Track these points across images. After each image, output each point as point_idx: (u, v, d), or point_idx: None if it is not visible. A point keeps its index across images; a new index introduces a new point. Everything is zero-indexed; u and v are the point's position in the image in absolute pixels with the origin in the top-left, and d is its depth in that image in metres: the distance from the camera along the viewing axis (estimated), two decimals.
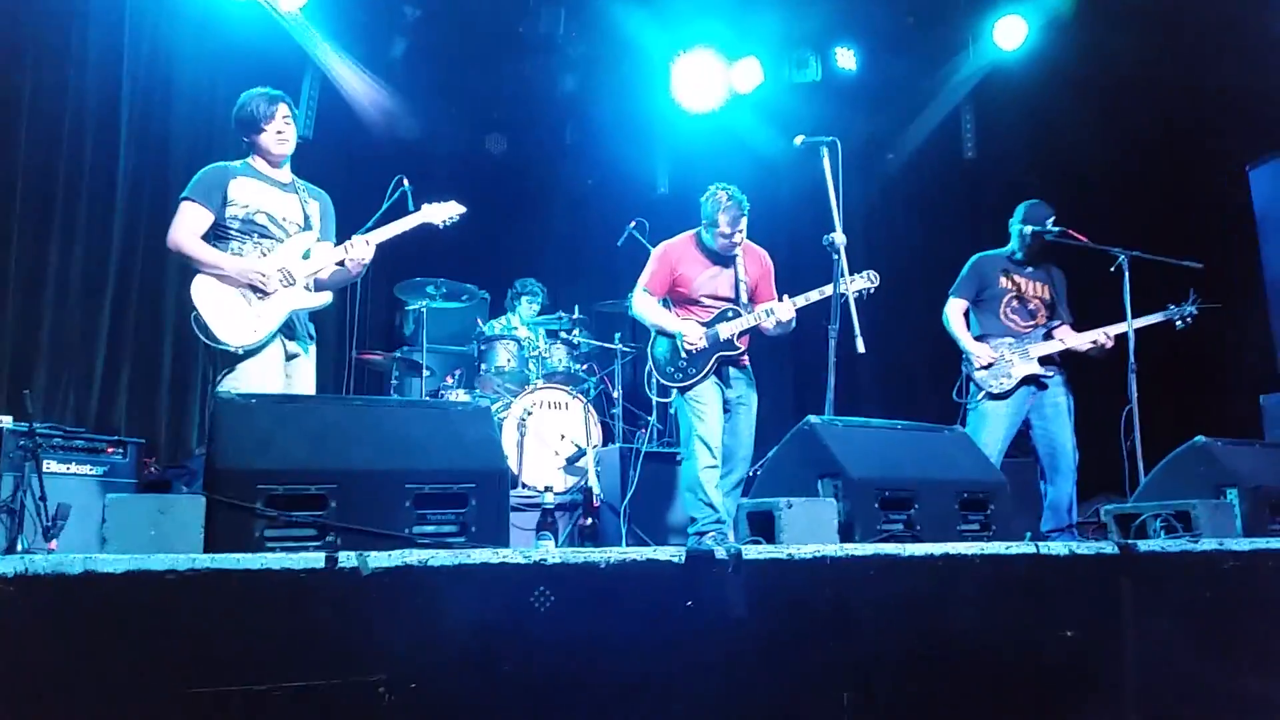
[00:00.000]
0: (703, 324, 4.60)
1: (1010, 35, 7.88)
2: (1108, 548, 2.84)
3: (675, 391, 4.59)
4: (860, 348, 4.06)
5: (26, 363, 5.94)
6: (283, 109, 3.90)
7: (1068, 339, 5.02)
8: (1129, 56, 7.19)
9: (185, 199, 3.76)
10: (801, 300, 4.54)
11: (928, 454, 3.29)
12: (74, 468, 4.42)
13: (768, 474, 3.33)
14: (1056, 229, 5.06)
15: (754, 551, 2.38)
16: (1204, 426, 3.88)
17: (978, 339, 5.10)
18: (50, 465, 4.30)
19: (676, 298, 4.73)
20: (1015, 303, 5.11)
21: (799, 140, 4.41)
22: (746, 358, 4.70)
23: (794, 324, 4.61)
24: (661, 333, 4.67)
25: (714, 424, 4.48)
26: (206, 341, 3.61)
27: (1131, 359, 4.75)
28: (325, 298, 3.90)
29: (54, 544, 4.00)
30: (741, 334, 4.61)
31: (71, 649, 1.75)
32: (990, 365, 4.98)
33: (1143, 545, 2.91)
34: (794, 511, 2.72)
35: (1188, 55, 6.79)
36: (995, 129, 8.69)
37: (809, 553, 2.43)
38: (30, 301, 6.02)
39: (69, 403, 6.11)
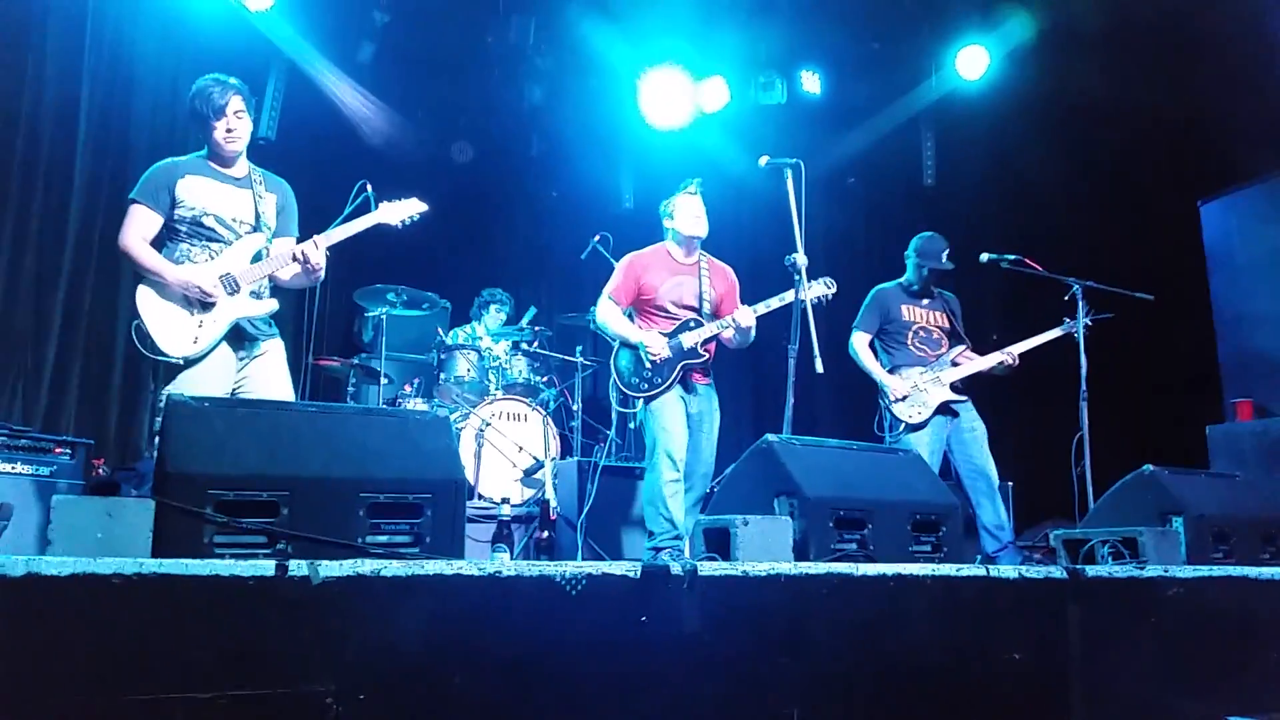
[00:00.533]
0: (664, 334, 4.59)
1: (972, 65, 8.03)
2: (1056, 572, 2.88)
3: (639, 402, 4.55)
4: (819, 368, 4.09)
5: None
6: (235, 101, 3.72)
7: (975, 362, 5.13)
8: (1087, 89, 7.34)
9: (133, 201, 3.67)
10: (762, 308, 4.55)
11: (882, 475, 3.32)
12: (19, 467, 4.31)
13: (724, 491, 3.34)
14: (1012, 256, 5.17)
15: (709, 568, 2.39)
16: (1152, 455, 3.96)
17: (890, 370, 5.18)
18: None
19: (641, 307, 4.72)
20: (922, 333, 5.24)
21: (763, 161, 4.45)
22: (710, 375, 4.70)
23: (754, 333, 4.63)
24: (625, 344, 4.65)
25: (679, 438, 4.47)
26: (146, 352, 3.53)
27: (1084, 387, 4.85)
28: (272, 304, 3.77)
29: None
30: (706, 342, 4.61)
31: (13, 652, 1.70)
32: (906, 397, 5.06)
33: (1090, 570, 2.96)
34: (750, 529, 2.73)
35: (1145, 89, 6.95)
36: (955, 156, 8.83)
37: (764, 570, 2.45)
38: None
39: (16, 400, 5.98)
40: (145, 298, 3.59)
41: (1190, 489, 3.78)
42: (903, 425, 5.04)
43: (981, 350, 5.18)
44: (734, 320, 4.56)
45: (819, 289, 4.51)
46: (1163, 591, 3.04)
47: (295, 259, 3.73)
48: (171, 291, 3.59)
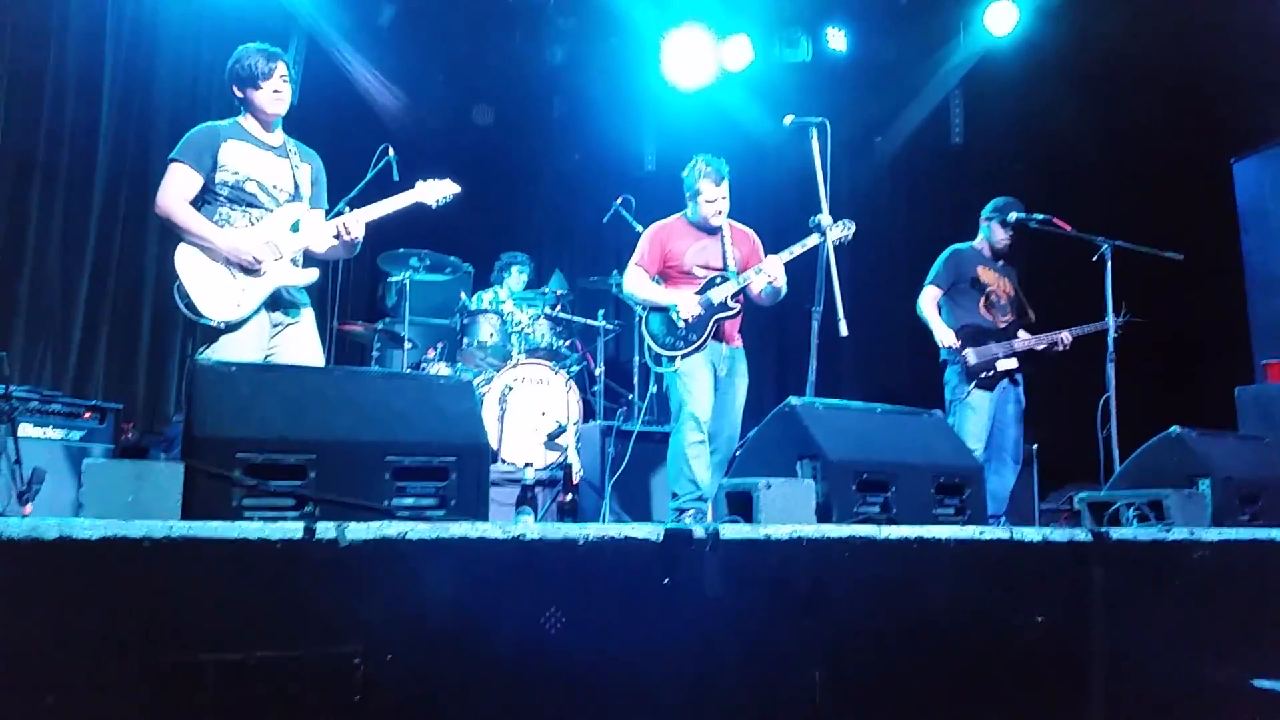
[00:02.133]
0: (695, 293, 4.64)
1: (1001, 21, 7.89)
2: (1081, 535, 2.87)
3: (672, 362, 4.60)
4: (843, 330, 4.07)
5: (4, 325, 5.88)
6: (280, 67, 3.77)
7: (1034, 339, 5.12)
8: (1118, 46, 7.21)
9: (175, 160, 3.64)
10: (787, 255, 4.55)
11: (906, 438, 3.30)
12: (50, 432, 4.38)
13: (747, 454, 3.34)
14: (1040, 216, 5.11)
15: (731, 531, 2.39)
16: (1180, 417, 3.92)
17: (967, 328, 5.14)
18: (26, 429, 4.25)
19: (668, 273, 4.77)
20: (993, 297, 5.21)
21: (788, 120, 4.40)
22: (739, 337, 4.74)
23: (785, 288, 4.65)
24: (655, 308, 4.70)
25: (704, 399, 4.51)
26: (188, 314, 3.54)
27: (1111, 349, 4.80)
28: (313, 274, 3.81)
29: (29, 508, 3.97)
30: (735, 295, 4.63)
31: (45, 615, 1.74)
32: (977, 354, 5.03)
33: (1115, 533, 2.94)
34: (772, 492, 2.73)
35: (1177, 46, 6.81)
36: (984, 115, 8.70)
37: (786, 533, 2.45)
38: (9, 264, 5.96)
39: (46, 366, 6.07)
40: (187, 260, 3.58)
41: (1218, 451, 3.73)
42: (973, 385, 5.02)
43: (1030, 330, 5.17)
44: (762, 269, 4.57)
45: (839, 230, 4.49)
46: (1188, 554, 3.02)
47: (340, 229, 3.77)
48: (215, 254, 3.59)
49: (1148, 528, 3.23)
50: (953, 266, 5.25)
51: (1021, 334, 5.15)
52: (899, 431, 3.33)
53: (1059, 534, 2.87)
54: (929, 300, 5.23)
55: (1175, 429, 3.79)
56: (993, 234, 5.26)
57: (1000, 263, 5.30)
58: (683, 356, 4.57)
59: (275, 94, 3.78)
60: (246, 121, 3.83)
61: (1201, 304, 6.92)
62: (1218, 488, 3.53)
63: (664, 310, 4.65)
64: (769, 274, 4.56)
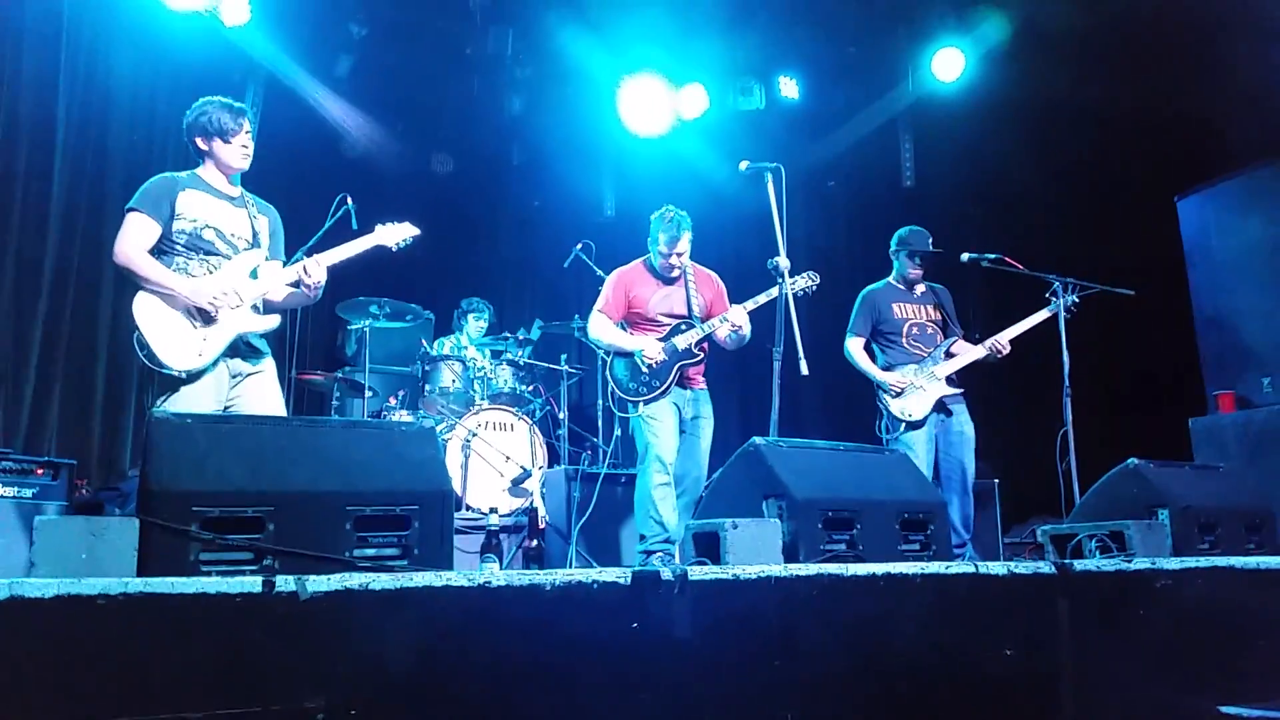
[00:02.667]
0: (659, 340, 4.68)
1: (948, 67, 8.08)
2: (1045, 568, 2.89)
3: (637, 407, 4.62)
4: (804, 370, 4.10)
5: None
6: (246, 124, 3.80)
7: (967, 353, 5.14)
8: (1062, 89, 7.40)
9: (132, 210, 3.60)
10: (751, 304, 4.60)
11: (869, 475, 3.33)
12: (1, 489, 4.28)
13: (713, 495, 3.34)
14: (992, 255, 5.20)
15: (699, 572, 2.38)
16: (1136, 449, 3.98)
17: (888, 369, 5.21)
18: None
19: (633, 319, 4.80)
20: (915, 330, 5.27)
21: (744, 165, 4.46)
22: (703, 380, 4.79)
23: (749, 333, 4.69)
24: (619, 353, 4.72)
25: (669, 442, 4.54)
26: (148, 364, 3.48)
27: (1066, 383, 4.87)
28: (273, 320, 3.77)
29: None
30: (700, 342, 4.68)
31: None
32: (902, 393, 5.09)
33: (1079, 565, 2.97)
34: (739, 532, 2.73)
35: (1119, 87, 7.02)
36: (934, 158, 8.88)
37: (754, 573, 2.44)
38: None
39: None
40: (146, 309, 3.51)
41: (1175, 481, 3.80)
42: (902, 425, 5.06)
43: (970, 342, 5.19)
44: (726, 318, 4.61)
45: (803, 281, 4.56)
46: (1151, 584, 3.05)
47: (299, 274, 3.73)
48: (175, 303, 3.54)
49: (1110, 559, 3.26)
50: (867, 311, 5.34)
51: (952, 353, 5.16)
52: (863, 469, 3.35)
53: (1023, 567, 2.89)
54: (857, 349, 5.31)
55: (1133, 461, 3.85)
56: (902, 267, 5.35)
57: (918, 291, 5.36)
58: (646, 401, 4.59)
59: (243, 149, 3.80)
60: (206, 173, 3.81)
61: (1153, 338, 7.06)
62: (1177, 518, 3.58)
63: (629, 355, 4.67)
64: (733, 323, 4.60)
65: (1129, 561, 3.12)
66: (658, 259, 4.75)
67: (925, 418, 5.06)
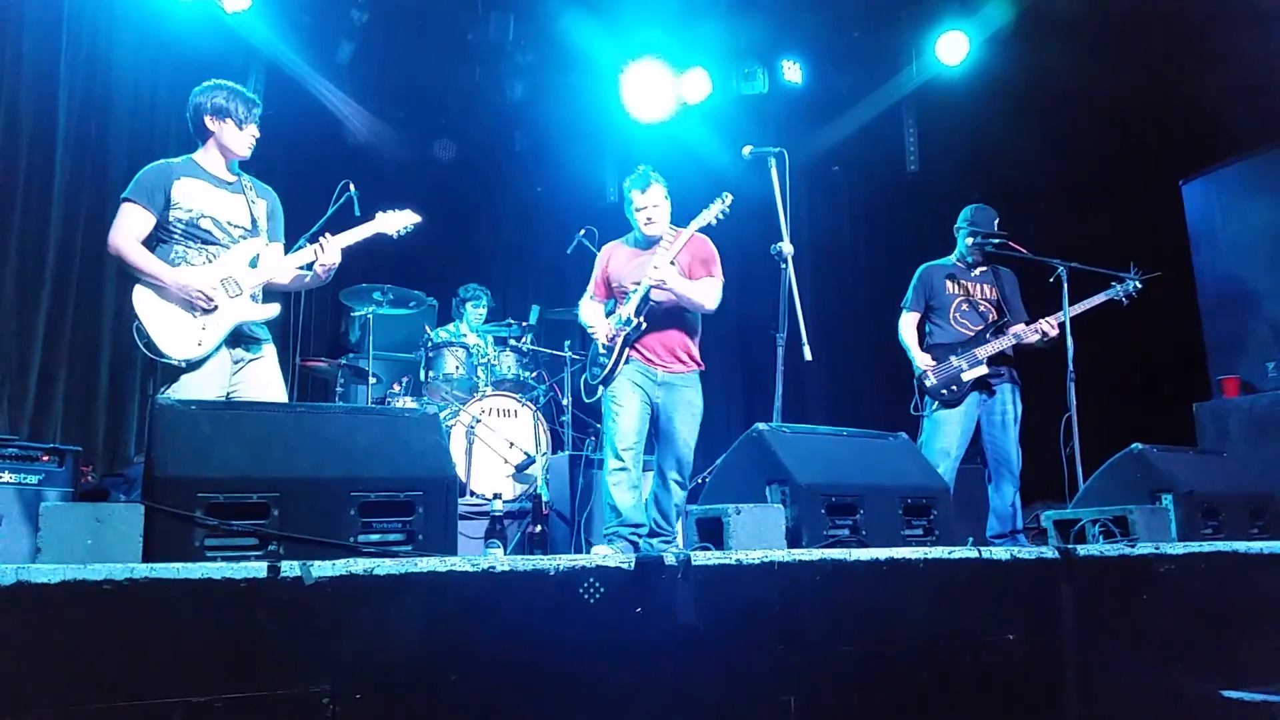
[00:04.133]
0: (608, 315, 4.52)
1: (952, 51, 8.04)
2: (1048, 552, 2.90)
3: (595, 391, 4.47)
4: (807, 355, 4.09)
5: None
6: (256, 115, 3.84)
7: (1020, 335, 5.03)
8: (1067, 73, 7.36)
9: (126, 200, 3.61)
10: (662, 252, 4.34)
11: (873, 460, 3.33)
12: (6, 476, 4.28)
13: (716, 480, 3.34)
14: (997, 240, 5.17)
15: (703, 558, 2.39)
16: (1140, 434, 3.98)
17: (933, 346, 5.15)
18: None
19: (616, 296, 4.61)
20: (965, 306, 5.18)
21: (747, 151, 4.44)
22: (682, 359, 4.45)
23: (689, 294, 4.35)
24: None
25: (626, 424, 4.31)
26: (148, 354, 3.50)
27: (1070, 368, 4.85)
28: (273, 309, 3.78)
29: None
30: (640, 310, 4.36)
31: (4, 663, 1.69)
32: (936, 372, 5.03)
33: (1082, 550, 2.97)
34: (742, 518, 2.73)
35: (1123, 71, 6.98)
36: (938, 142, 8.84)
37: (757, 558, 2.45)
38: None
39: (2, 409, 5.94)
40: (144, 299, 3.54)
41: (1179, 466, 3.80)
42: (935, 404, 5.02)
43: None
44: (653, 277, 4.28)
45: (716, 207, 4.35)
46: (1154, 569, 3.05)
47: (313, 256, 3.76)
48: (171, 293, 3.56)
49: (1114, 544, 3.26)
50: (921, 287, 5.26)
51: (1005, 333, 5.06)
52: (866, 454, 3.35)
53: (1027, 552, 2.89)
54: (907, 325, 5.23)
55: (1136, 446, 3.85)
56: (964, 245, 5.27)
57: (979, 270, 5.26)
58: (602, 383, 4.43)
59: (252, 138, 3.83)
60: (204, 157, 3.80)
61: (1157, 323, 7.03)
62: (1180, 502, 3.58)
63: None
64: (654, 276, 4.27)
65: (1132, 546, 3.12)
66: (636, 220, 4.55)
67: (961, 397, 4.99)
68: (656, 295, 4.35)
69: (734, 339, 8.78)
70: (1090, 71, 7.19)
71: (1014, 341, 5.03)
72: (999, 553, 2.84)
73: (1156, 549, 3.11)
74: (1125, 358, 7.09)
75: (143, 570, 1.83)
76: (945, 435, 4.95)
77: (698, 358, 4.57)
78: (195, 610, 1.85)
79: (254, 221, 3.81)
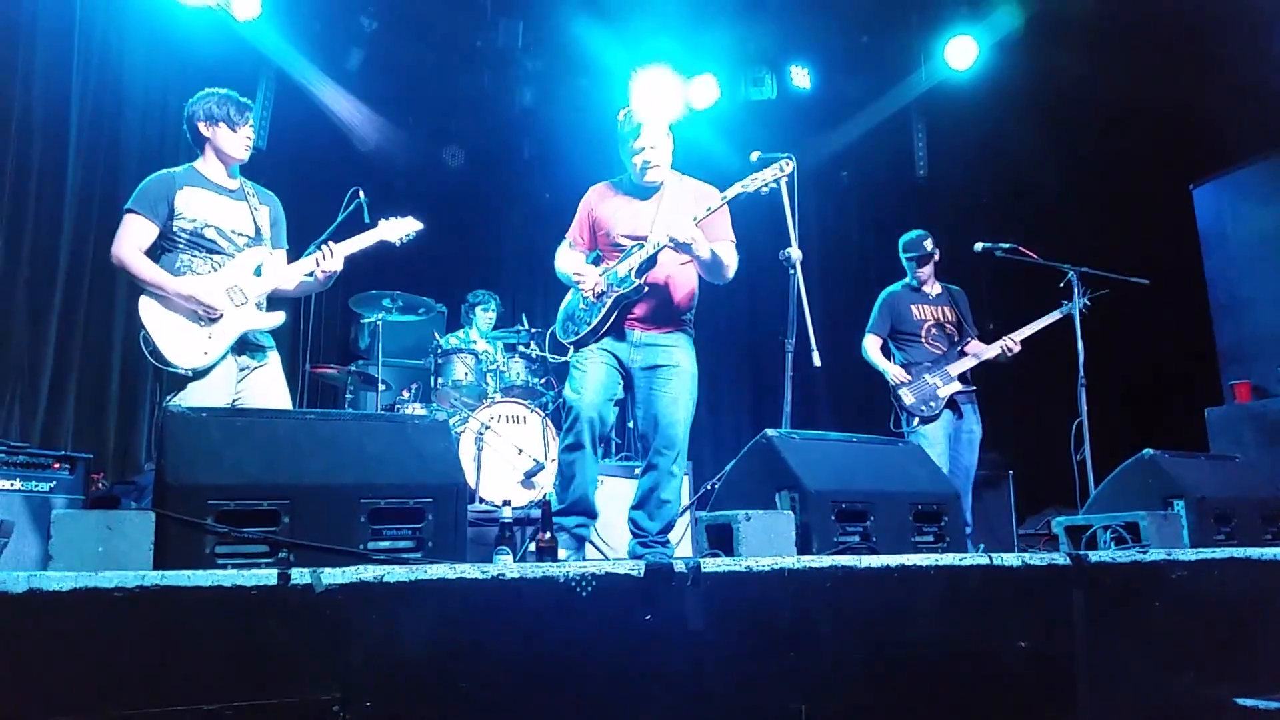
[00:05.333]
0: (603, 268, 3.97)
1: (961, 56, 8.03)
2: (1059, 559, 2.88)
3: (567, 351, 3.95)
4: (816, 361, 4.08)
5: None
6: (249, 117, 3.84)
7: (980, 352, 5.19)
8: (1076, 77, 7.36)
9: (129, 210, 3.64)
10: (702, 212, 3.83)
11: (883, 466, 3.32)
12: (18, 484, 4.30)
13: (726, 487, 3.34)
14: (1006, 245, 5.19)
15: (713, 564, 2.38)
16: (1151, 439, 3.96)
17: (905, 365, 5.29)
18: None
19: (601, 244, 4.07)
20: (934, 330, 5.35)
21: (755, 156, 4.43)
22: (659, 325, 3.92)
23: (715, 257, 3.85)
24: (571, 286, 4.06)
25: (590, 397, 3.77)
26: (155, 363, 3.51)
27: (1081, 374, 4.84)
28: (279, 318, 3.80)
29: None
30: (643, 269, 3.84)
31: (16, 670, 1.70)
32: (913, 390, 5.16)
33: (1093, 556, 2.96)
34: (752, 524, 2.73)
35: (1133, 76, 6.97)
36: (947, 147, 8.84)
37: (767, 565, 2.44)
38: None
39: (14, 416, 5.97)
40: (149, 309, 3.56)
41: (1190, 472, 3.78)
42: (916, 419, 5.12)
43: (984, 341, 5.23)
44: (668, 236, 3.72)
45: (770, 173, 3.82)
46: (1166, 575, 3.03)
47: (315, 265, 3.78)
48: (176, 303, 3.58)
49: (1125, 550, 3.24)
50: (886, 310, 5.44)
51: (966, 352, 5.24)
52: (876, 461, 3.34)
53: (1038, 559, 2.88)
54: (872, 346, 5.41)
55: (1148, 451, 3.83)
56: (914, 272, 5.45)
57: (934, 293, 5.43)
58: (576, 345, 3.88)
59: (247, 139, 3.83)
60: (205, 165, 3.82)
61: (1168, 327, 7.01)
62: (1192, 508, 3.56)
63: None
64: (674, 235, 3.69)
65: (1144, 553, 3.10)
66: (632, 162, 3.98)
67: (939, 413, 5.12)
68: (666, 256, 3.83)
69: (743, 345, 8.77)
70: (1100, 76, 7.19)
71: (977, 359, 5.15)
72: (1010, 559, 2.82)
73: (1169, 555, 3.09)
74: (1136, 363, 7.08)
75: (154, 578, 1.83)
76: (931, 450, 4.99)
77: (691, 321, 4.09)
78: (206, 617, 1.85)
79: (257, 229, 3.83)
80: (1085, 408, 4.75)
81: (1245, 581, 3.19)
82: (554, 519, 3.75)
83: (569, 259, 4.08)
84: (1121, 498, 3.78)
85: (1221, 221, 6.74)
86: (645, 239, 3.88)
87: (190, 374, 3.53)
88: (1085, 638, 2.83)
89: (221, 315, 3.62)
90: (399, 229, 4.03)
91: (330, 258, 3.80)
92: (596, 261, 4.09)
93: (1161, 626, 2.99)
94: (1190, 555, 3.13)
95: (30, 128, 6.24)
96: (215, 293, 3.62)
